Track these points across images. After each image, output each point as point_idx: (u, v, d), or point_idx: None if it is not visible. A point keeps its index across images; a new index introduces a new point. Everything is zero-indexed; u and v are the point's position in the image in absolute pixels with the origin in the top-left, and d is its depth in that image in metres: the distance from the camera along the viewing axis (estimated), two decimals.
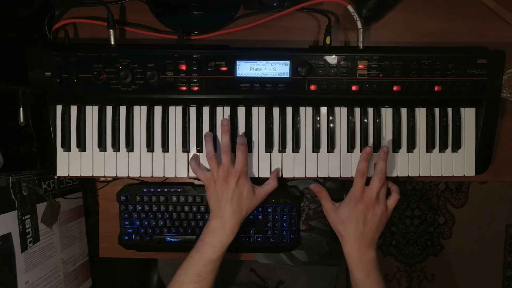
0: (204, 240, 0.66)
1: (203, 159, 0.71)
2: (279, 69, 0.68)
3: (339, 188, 0.83)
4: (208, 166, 0.68)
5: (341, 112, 0.72)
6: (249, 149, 0.71)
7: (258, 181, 0.71)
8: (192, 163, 0.68)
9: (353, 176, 0.72)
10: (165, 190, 0.79)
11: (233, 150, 0.69)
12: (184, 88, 0.68)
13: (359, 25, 0.69)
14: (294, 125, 0.71)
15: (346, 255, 0.67)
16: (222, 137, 0.67)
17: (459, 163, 0.73)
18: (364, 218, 0.65)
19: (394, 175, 0.72)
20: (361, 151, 0.71)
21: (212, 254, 0.64)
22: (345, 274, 0.97)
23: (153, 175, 0.71)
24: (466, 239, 1.73)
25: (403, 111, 0.72)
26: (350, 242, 0.66)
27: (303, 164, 0.72)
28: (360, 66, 0.68)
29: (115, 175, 0.72)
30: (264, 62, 0.68)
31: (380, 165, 0.67)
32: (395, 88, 0.68)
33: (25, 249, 0.73)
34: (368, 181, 0.68)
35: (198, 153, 0.71)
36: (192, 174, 0.71)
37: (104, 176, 0.73)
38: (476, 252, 1.73)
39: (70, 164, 0.71)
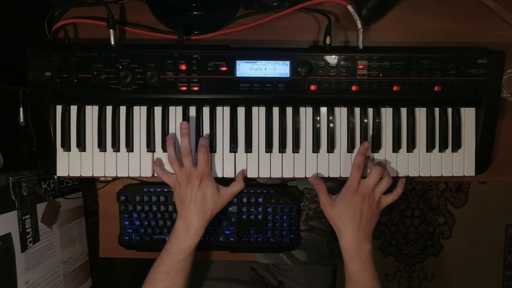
0: (171, 241, 0.67)
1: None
2: (279, 69, 0.68)
3: (339, 188, 0.83)
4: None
5: (341, 112, 0.72)
6: (249, 149, 0.71)
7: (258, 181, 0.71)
8: (156, 169, 0.69)
9: None
10: (165, 190, 0.79)
11: (232, 149, 0.69)
12: (184, 88, 0.68)
13: (359, 25, 0.69)
14: (294, 125, 0.71)
15: (342, 248, 0.67)
16: (182, 140, 0.66)
17: (459, 163, 0.73)
18: (360, 210, 0.65)
19: (394, 175, 0.72)
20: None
21: (178, 255, 0.65)
22: (344, 274, 0.97)
23: (153, 175, 0.71)
24: (466, 239, 1.73)
25: (403, 111, 0.72)
26: (347, 234, 0.65)
27: (303, 164, 0.72)
28: (360, 66, 0.68)
29: (115, 175, 0.72)
30: (264, 62, 0.68)
31: (379, 165, 0.67)
32: (395, 88, 0.68)
33: (25, 249, 0.73)
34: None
35: (161, 157, 0.71)
36: None
37: (104, 176, 0.73)
38: (476, 252, 1.73)
39: (70, 164, 0.71)
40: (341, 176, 0.72)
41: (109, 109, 0.71)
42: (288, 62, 0.68)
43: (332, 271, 0.93)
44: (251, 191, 0.79)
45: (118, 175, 0.72)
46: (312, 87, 0.68)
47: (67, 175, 0.71)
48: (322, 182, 0.69)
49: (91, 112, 0.71)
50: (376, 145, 0.71)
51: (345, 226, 0.66)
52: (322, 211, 0.82)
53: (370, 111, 0.72)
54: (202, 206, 0.65)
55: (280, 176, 0.72)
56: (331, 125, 0.71)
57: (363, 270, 0.65)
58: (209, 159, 0.67)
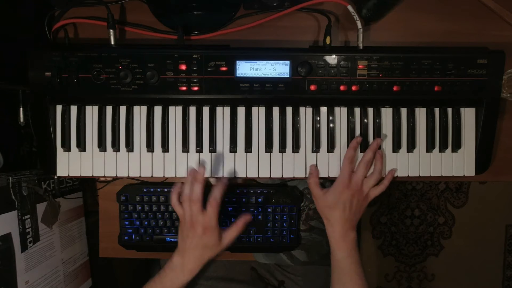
0: (166, 270, 0.67)
1: (203, 159, 0.71)
2: (279, 69, 0.68)
3: None
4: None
5: (341, 112, 0.72)
6: (249, 149, 0.71)
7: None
8: (173, 198, 0.66)
9: None
10: (165, 190, 0.79)
11: (232, 149, 0.69)
12: (184, 88, 0.68)
13: (359, 25, 0.69)
14: (294, 125, 0.71)
15: (329, 236, 0.70)
16: (195, 185, 0.64)
17: (459, 163, 0.73)
18: (350, 203, 0.67)
19: (394, 175, 0.72)
20: (361, 152, 0.71)
21: (171, 285, 0.66)
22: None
23: (153, 175, 0.71)
24: (466, 239, 1.72)
25: (403, 111, 0.72)
26: (335, 225, 0.68)
27: (303, 164, 0.72)
28: (360, 66, 0.68)
29: (115, 175, 0.71)
30: (264, 62, 0.68)
31: (368, 155, 0.69)
32: (395, 88, 0.68)
33: (25, 249, 0.73)
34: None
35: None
36: None
37: (104, 176, 0.73)
38: (476, 252, 1.73)
39: (70, 164, 0.71)
40: None
41: (109, 109, 0.71)
42: (288, 62, 0.68)
43: None
44: (251, 191, 0.79)
45: (118, 175, 0.72)
46: (312, 87, 0.68)
47: (67, 175, 0.71)
48: (316, 175, 0.70)
49: (91, 112, 0.71)
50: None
51: (333, 217, 0.68)
52: None
53: (370, 111, 0.72)
54: (201, 253, 0.65)
55: (280, 176, 0.72)
56: (331, 125, 0.71)
57: (348, 256, 0.68)
58: (218, 212, 0.64)
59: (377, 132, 0.71)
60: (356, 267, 0.68)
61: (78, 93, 0.68)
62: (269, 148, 0.71)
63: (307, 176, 0.72)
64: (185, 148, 0.71)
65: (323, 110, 0.72)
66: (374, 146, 0.69)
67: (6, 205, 0.69)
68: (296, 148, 0.71)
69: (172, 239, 0.80)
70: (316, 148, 0.71)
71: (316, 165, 0.72)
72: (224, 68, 0.67)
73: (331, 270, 0.70)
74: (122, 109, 0.71)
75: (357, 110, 0.72)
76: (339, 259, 0.68)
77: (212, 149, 0.71)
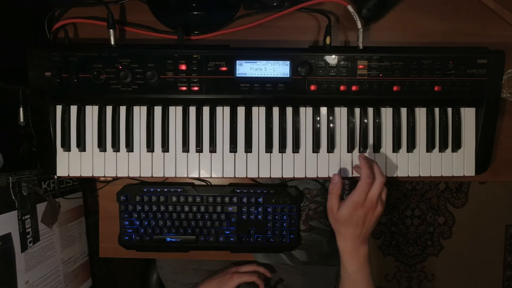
0: None
1: (203, 159, 0.71)
2: (279, 69, 0.68)
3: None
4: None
5: (341, 112, 0.72)
6: (249, 149, 0.71)
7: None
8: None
9: (353, 176, 0.72)
10: (165, 190, 0.79)
11: (232, 149, 0.69)
12: (184, 88, 0.68)
13: (359, 25, 0.69)
14: (294, 125, 0.71)
15: (340, 248, 0.69)
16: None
17: (459, 163, 0.73)
18: (363, 220, 0.66)
19: (394, 175, 0.72)
20: (360, 151, 0.71)
21: None
22: (341, 274, 0.97)
23: (153, 175, 0.71)
24: (466, 239, 1.72)
25: (403, 111, 0.72)
26: (347, 240, 0.67)
27: (303, 164, 0.72)
28: (360, 66, 0.68)
29: (115, 175, 0.72)
30: (264, 62, 0.68)
31: (377, 169, 0.66)
32: (395, 88, 0.68)
33: (25, 249, 0.73)
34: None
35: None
36: (191, 174, 0.71)
37: (104, 176, 0.73)
38: (476, 252, 1.73)
39: (70, 164, 0.71)
40: (341, 176, 0.72)
41: (109, 109, 0.71)
42: (288, 62, 0.68)
43: (332, 271, 0.93)
44: (251, 191, 0.79)
45: (118, 175, 0.72)
46: (312, 87, 0.68)
47: (67, 175, 0.71)
48: (340, 187, 0.69)
49: (91, 112, 0.71)
50: (376, 145, 0.71)
51: (346, 232, 0.67)
52: (322, 211, 0.82)
53: (370, 111, 0.72)
54: None
55: (280, 176, 0.72)
56: (331, 125, 0.71)
57: (359, 270, 0.67)
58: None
59: (377, 132, 0.71)
60: (367, 281, 0.67)
61: (78, 93, 0.68)
62: (269, 148, 0.71)
63: (307, 176, 0.72)
64: (185, 148, 0.71)
65: (323, 110, 0.72)
66: (364, 162, 0.67)
67: (6, 205, 0.69)
68: (296, 148, 0.71)
69: (172, 239, 0.80)
70: (316, 148, 0.71)
71: (317, 165, 0.72)
72: (224, 68, 0.67)
73: (340, 281, 0.70)
74: (122, 109, 0.71)
75: (357, 110, 0.72)
76: (350, 272, 0.67)
77: (212, 149, 0.71)
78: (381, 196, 0.66)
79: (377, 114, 0.71)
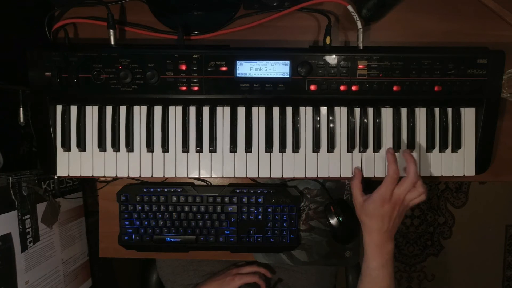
0: None
1: (203, 159, 0.71)
2: (279, 69, 0.68)
3: (339, 188, 0.83)
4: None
5: (341, 112, 0.72)
6: (249, 149, 0.71)
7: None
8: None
9: (352, 175, 0.72)
10: (165, 190, 0.79)
11: (232, 149, 0.69)
12: (184, 88, 0.68)
13: (359, 25, 0.69)
14: (294, 125, 0.71)
15: (366, 243, 0.68)
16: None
17: (459, 163, 0.73)
18: (390, 216, 0.66)
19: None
20: (360, 151, 0.71)
21: None
22: (344, 274, 0.97)
23: (153, 175, 0.71)
24: (466, 239, 1.72)
25: (403, 111, 0.72)
26: (373, 234, 0.67)
27: (303, 164, 0.72)
28: (360, 66, 0.68)
29: (115, 175, 0.72)
30: (264, 62, 0.68)
31: (413, 168, 0.65)
32: (395, 88, 0.68)
33: (25, 249, 0.73)
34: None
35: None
36: (191, 175, 0.71)
37: (104, 176, 0.73)
38: (476, 252, 1.73)
39: (70, 164, 0.71)
40: (341, 176, 0.72)
41: (109, 109, 0.71)
42: (288, 62, 0.68)
43: (332, 271, 0.93)
44: (251, 191, 0.79)
45: (118, 175, 0.72)
46: (312, 87, 0.68)
47: (67, 175, 0.71)
48: (359, 177, 0.70)
49: (91, 112, 0.71)
50: (377, 145, 0.71)
51: (371, 227, 0.67)
52: (322, 211, 0.83)
53: (370, 111, 0.72)
54: None
55: (280, 176, 0.72)
56: (331, 125, 0.71)
57: (383, 267, 0.66)
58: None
59: (377, 132, 0.71)
60: (389, 279, 0.67)
61: (78, 93, 0.68)
62: (269, 148, 0.71)
63: (307, 176, 0.72)
64: (185, 148, 0.71)
65: (323, 110, 0.72)
66: (410, 157, 0.66)
67: (6, 205, 0.69)
68: (296, 148, 0.71)
69: (172, 239, 0.80)
70: (316, 148, 0.71)
71: (317, 165, 0.72)
72: (224, 68, 0.67)
73: (360, 278, 0.69)
74: (122, 109, 0.71)
75: (357, 110, 0.72)
76: (373, 268, 0.67)
77: (212, 149, 0.71)
78: (411, 195, 0.66)
79: (377, 114, 0.71)
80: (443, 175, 0.73)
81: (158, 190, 0.79)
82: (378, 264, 0.67)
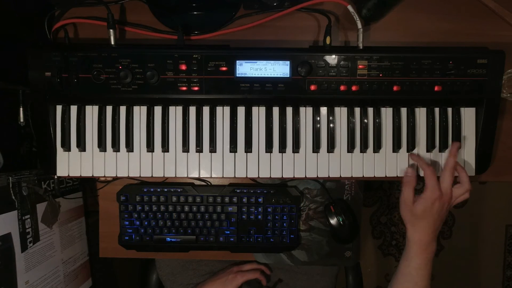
0: None
1: (203, 159, 0.71)
2: (279, 69, 0.68)
3: (339, 188, 0.83)
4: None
5: (341, 112, 0.72)
6: (249, 149, 0.71)
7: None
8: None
9: (352, 176, 0.72)
10: (165, 190, 0.79)
11: (232, 149, 0.69)
12: (184, 88, 0.68)
13: (359, 25, 0.69)
14: (294, 125, 0.71)
15: (411, 241, 0.68)
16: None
17: (459, 163, 0.73)
18: (439, 214, 0.66)
19: (394, 175, 0.72)
20: (361, 151, 0.71)
21: None
22: (344, 274, 0.97)
23: (153, 175, 0.71)
24: (466, 239, 1.72)
25: (403, 111, 0.72)
26: (421, 233, 0.67)
27: (303, 164, 0.72)
28: (360, 66, 0.68)
29: (115, 175, 0.71)
30: (264, 62, 0.68)
31: (452, 161, 0.67)
32: (395, 88, 0.68)
33: (25, 249, 0.73)
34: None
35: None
36: (191, 174, 0.71)
37: (104, 176, 0.73)
38: (476, 252, 1.73)
39: (70, 164, 0.71)
40: (341, 176, 0.72)
41: (109, 109, 0.71)
42: (288, 62, 0.68)
43: (332, 271, 0.93)
44: (251, 191, 0.79)
45: (118, 175, 0.72)
46: (312, 87, 0.68)
47: (67, 175, 0.71)
48: (415, 179, 0.69)
49: (91, 112, 0.71)
50: (377, 145, 0.71)
51: (419, 227, 0.67)
52: (322, 211, 0.83)
53: (370, 111, 0.72)
54: None
55: (280, 176, 0.72)
56: (331, 125, 0.71)
57: (424, 267, 0.67)
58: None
59: (377, 132, 0.71)
60: (427, 280, 0.67)
61: (78, 93, 0.68)
62: (269, 148, 0.71)
63: (307, 176, 0.72)
64: (185, 148, 0.71)
65: (323, 110, 0.72)
66: (454, 151, 0.67)
67: (6, 205, 0.70)
68: (296, 148, 0.71)
69: (172, 239, 0.80)
70: (316, 148, 0.71)
71: (317, 165, 0.72)
72: (224, 68, 0.67)
73: (397, 272, 0.69)
74: (122, 109, 0.71)
75: (357, 110, 0.72)
76: (414, 267, 0.67)
77: (212, 149, 0.71)
78: (458, 191, 0.67)
79: (377, 114, 0.71)
80: None
81: (158, 190, 0.79)
82: (420, 264, 0.67)
